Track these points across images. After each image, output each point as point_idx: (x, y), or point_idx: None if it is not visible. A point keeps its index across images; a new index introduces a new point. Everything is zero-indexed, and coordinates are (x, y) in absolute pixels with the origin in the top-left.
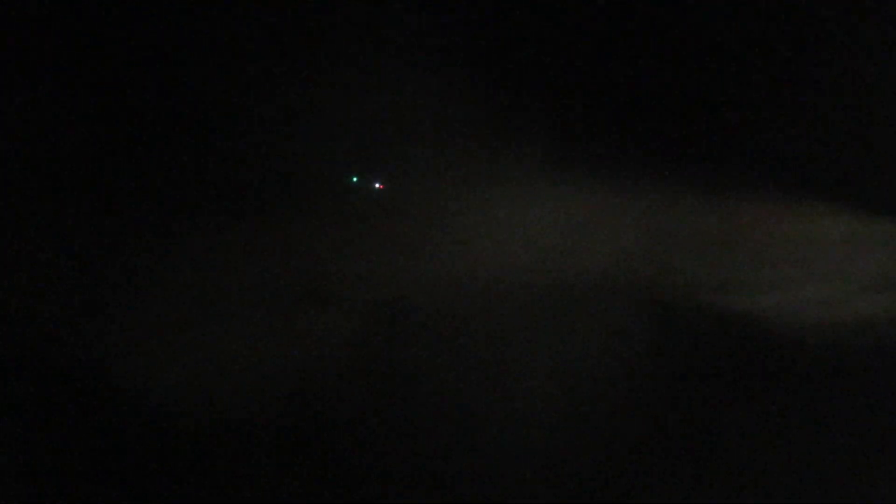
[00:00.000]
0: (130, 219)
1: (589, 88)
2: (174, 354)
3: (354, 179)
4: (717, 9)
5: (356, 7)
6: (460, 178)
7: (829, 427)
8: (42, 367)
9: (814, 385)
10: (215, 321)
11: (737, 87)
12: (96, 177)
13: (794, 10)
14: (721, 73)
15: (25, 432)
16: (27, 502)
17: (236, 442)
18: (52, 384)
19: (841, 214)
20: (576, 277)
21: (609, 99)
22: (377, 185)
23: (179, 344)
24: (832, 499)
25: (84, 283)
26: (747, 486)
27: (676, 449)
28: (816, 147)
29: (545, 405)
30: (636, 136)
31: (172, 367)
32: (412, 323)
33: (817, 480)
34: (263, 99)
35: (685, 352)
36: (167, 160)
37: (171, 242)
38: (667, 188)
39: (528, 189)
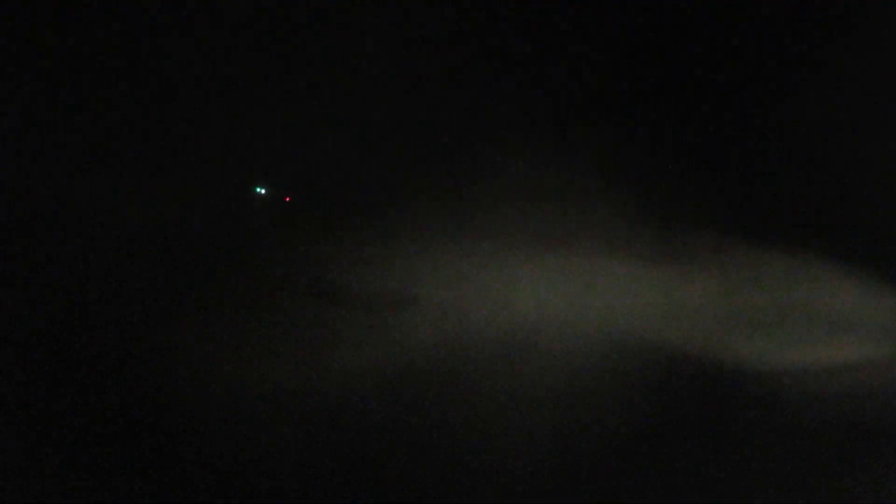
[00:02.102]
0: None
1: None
2: (174, 354)
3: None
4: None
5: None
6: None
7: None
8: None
9: (823, 443)
10: None
11: (744, 148)
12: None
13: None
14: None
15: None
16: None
17: (235, 443)
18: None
19: (853, 273)
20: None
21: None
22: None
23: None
24: None
25: (84, 283)
26: None
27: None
28: (825, 202)
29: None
30: (636, 191)
31: (172, 367)
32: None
33: None
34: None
35: (691, 410)
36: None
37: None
38: (673, 242)
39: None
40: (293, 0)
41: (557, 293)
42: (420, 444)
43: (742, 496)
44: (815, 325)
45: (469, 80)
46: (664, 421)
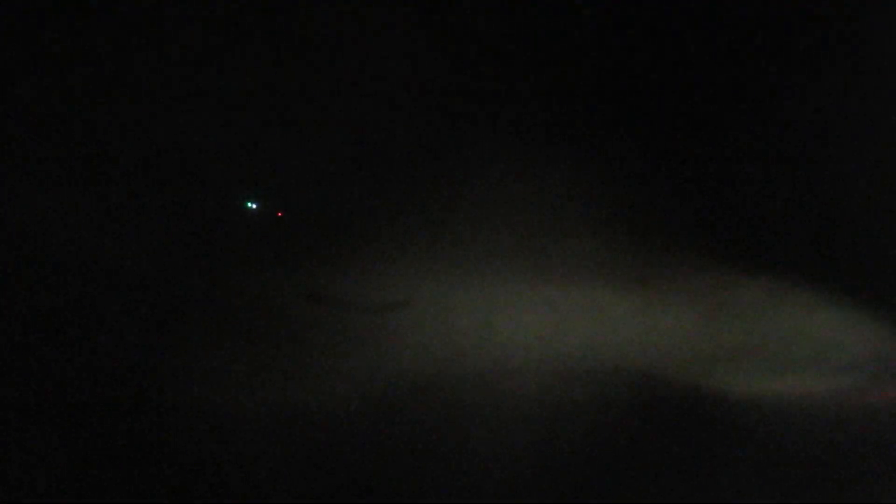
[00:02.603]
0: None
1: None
2: (171, 354)
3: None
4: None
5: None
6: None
7: None
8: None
9: (802, 469)
10: None
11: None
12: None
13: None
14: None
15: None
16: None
17: (229, 446)
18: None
19: (841, 299)
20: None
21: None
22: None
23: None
24: None
25: (83, 283)
26: None
27: None
28: (818, 228)
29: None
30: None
31: (169, 367)
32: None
33: None
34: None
35: (669, 435)
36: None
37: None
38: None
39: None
40: (286, 14)
41: (538, 308)
42: (409, 449)
43: None
44: (795, 351)
45: (463, 93)
46: (640, 444)
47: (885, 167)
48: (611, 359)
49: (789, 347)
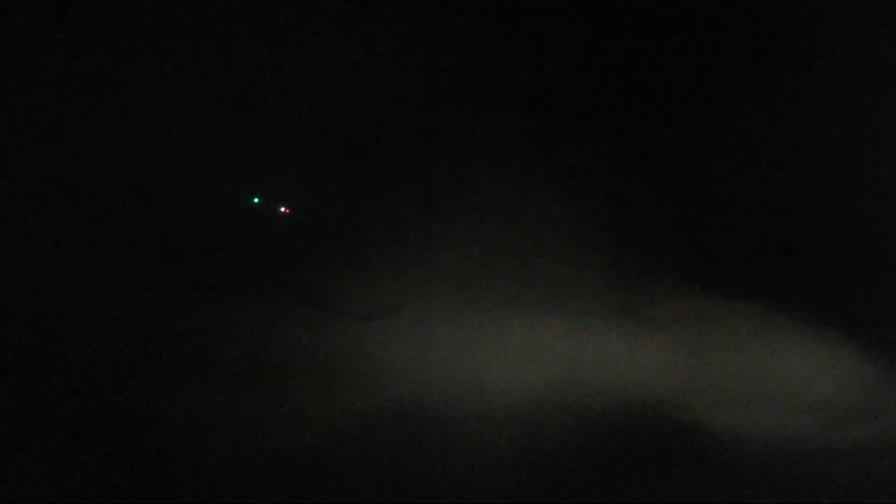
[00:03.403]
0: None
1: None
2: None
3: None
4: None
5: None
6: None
7: None
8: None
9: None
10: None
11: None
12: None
13: None
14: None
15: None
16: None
17: (225, 448)
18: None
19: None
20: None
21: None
22: (282, 210)
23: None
24: None
25: (82, 282)
26: None
27: None
28: (803, 264)
29: None
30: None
31: (168, 367)
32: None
33: None
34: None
35: (658, 466)
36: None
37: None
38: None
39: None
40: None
41: (523, 333)
42: (403, 449)
43: None
44: (773, 385)
45: (460, 106)
46: (619, 471)
47: (862, 209)
48: (592, 385)
49: (768, 381)
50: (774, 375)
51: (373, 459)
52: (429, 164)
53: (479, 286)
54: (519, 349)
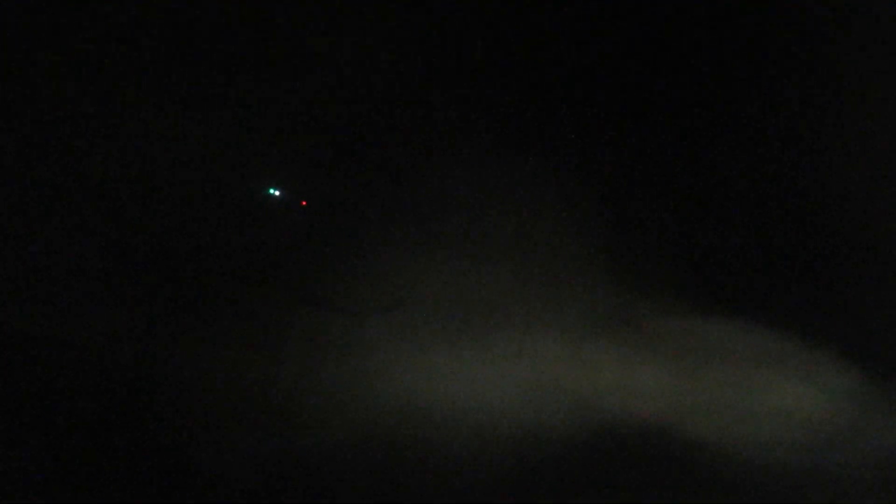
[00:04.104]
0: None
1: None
2: (169, 354)
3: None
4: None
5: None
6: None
7: None
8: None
9: None
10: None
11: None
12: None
13: None
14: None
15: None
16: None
17: (222, 442)
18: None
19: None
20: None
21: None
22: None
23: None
24: None
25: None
26: None
27: None
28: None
29: None
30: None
31: (167, 367)
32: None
33: None
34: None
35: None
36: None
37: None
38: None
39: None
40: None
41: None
42: (399, 444)
43: None
44: (768, 403)
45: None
46: (615, 486)
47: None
48: (590, 401)
49: (762, 398)
50: (769, 393)
51: (367, 459)
52: (428, 166)
53: (475, 291)
54: (513, 355)
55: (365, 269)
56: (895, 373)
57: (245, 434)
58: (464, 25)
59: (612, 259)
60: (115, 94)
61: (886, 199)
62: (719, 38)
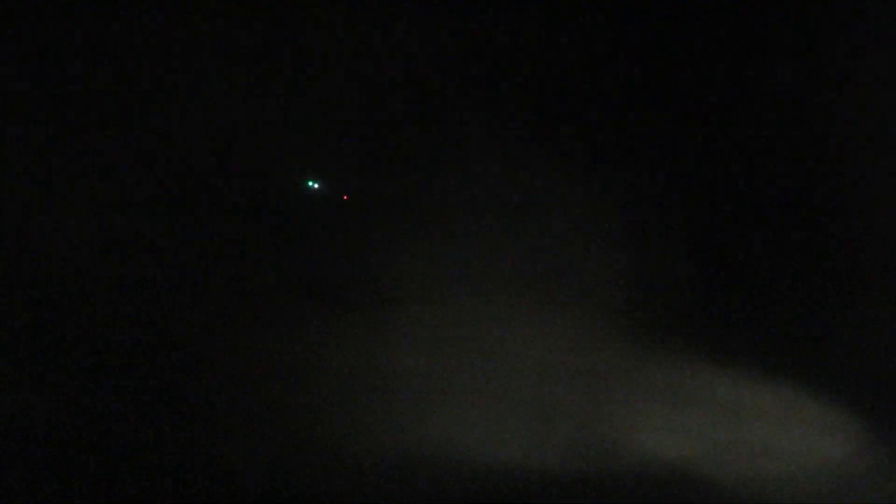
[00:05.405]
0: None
1: None
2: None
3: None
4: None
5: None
6: None
7: None
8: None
9: None
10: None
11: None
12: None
13: None
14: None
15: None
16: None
17: (227, 437)
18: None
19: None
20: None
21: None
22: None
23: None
24: None
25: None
26: None
27: None
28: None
29: None
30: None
31: (166, 366)
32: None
33: None
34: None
35: None
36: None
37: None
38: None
39: None
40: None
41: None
42: (406, 441)
43: None
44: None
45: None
46: None
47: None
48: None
49: (773, 441)
50: (779, 435)
51: (370, 457)
52: (436, 161)
53: (481, 287)
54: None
55: (375, 263)
56: None
57: (248, 429)
58: (471, 23)
59: (626, 268)
60: (136, 91)
61: None
62: (733, 39)
